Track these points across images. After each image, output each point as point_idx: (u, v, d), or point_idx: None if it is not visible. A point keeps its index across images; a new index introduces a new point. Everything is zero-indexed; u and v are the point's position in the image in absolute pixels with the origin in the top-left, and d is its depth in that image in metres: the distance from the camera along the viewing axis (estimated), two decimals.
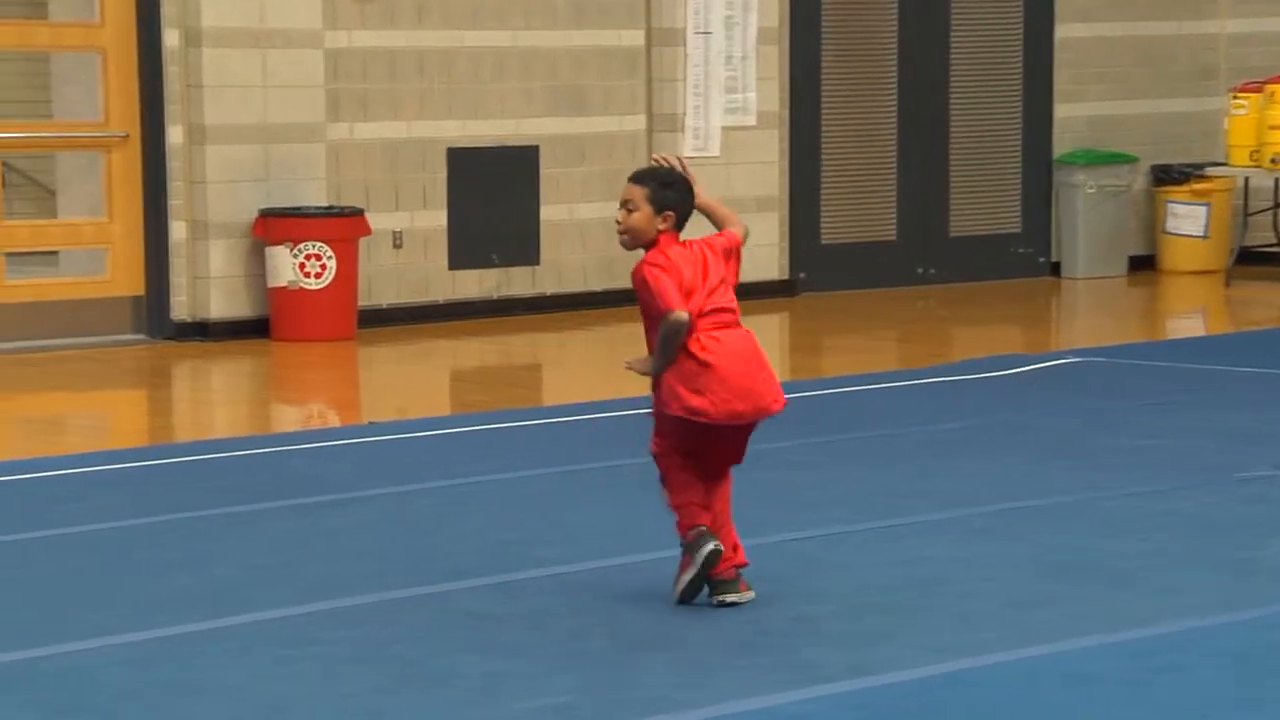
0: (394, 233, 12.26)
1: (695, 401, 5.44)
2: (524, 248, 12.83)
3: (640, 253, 5.60)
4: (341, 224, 11.61)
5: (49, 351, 11.09)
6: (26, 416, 9.70)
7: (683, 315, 5.42)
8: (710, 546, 5.50)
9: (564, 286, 12.98)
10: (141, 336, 11.54)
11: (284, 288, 11.52)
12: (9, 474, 7.73)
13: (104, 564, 6.27)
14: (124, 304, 11.56)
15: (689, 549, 5.56)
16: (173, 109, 11.45)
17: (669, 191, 5.49)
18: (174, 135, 11.47)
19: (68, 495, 7.35)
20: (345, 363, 11.24)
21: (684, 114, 13.16)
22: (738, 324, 5.57)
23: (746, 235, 5.75)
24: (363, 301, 11.89)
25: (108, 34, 11.42)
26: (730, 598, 5.58)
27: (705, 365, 5.43)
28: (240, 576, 6.06)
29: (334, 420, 9.89)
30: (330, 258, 11.52)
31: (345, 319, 11.66)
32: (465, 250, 12.56)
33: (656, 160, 5.66)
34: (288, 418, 10.01)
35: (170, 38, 11.42)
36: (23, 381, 10.37)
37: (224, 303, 11.60)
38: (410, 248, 12.37)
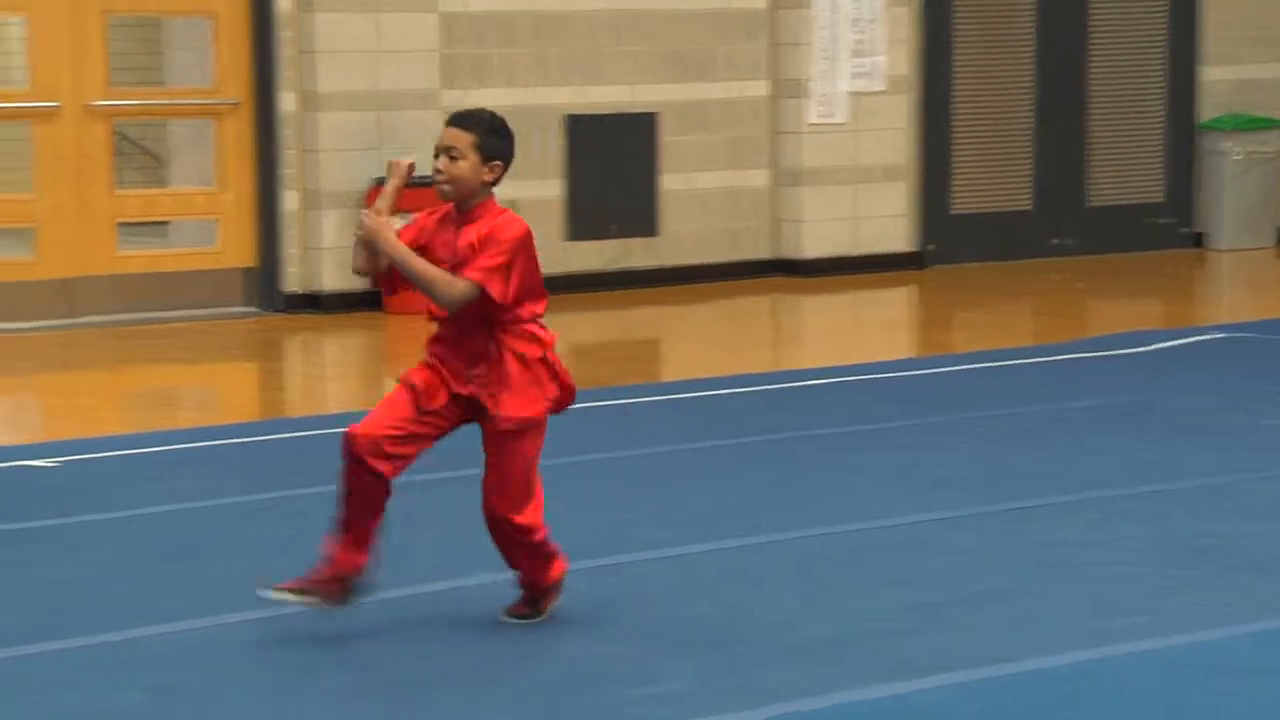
0: (509, 203, 12.23)
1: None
2: (643, 218, 12.79)
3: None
4: None
5: (160, 324, 11.20)
6: (137, 390, 9.81)
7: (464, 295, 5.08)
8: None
9: (684, 258, 12.93)
10: (253, 309, 11.62)
11: None
12: (119, 449, 7.81)
13: (212, 541, 6.30)
14: (235, 276, 11.65)
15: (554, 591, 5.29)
16: (285, 75, 11.51)
17: (496, 139, 5.14)
18: (286, 102, 11.52)
19: (176, 471, 7.41)
20: None
21: (809, 79, 13.04)
22: None
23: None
24: None
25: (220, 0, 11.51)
26: None
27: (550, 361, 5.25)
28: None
29: None
30: None
31: None
32: (582, 221, 12.54)
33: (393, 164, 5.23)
34: None
35: (283, 1, 11.47)
36: (134, 354, 10.48)
37: (336, 274, 11.65)
38: (526, 217, 12.32)
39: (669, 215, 12.86)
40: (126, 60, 12.81)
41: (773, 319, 12.50)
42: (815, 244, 13.20)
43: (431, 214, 5.28)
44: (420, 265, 5.13)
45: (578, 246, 12.55)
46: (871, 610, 5.44)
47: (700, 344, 11.18)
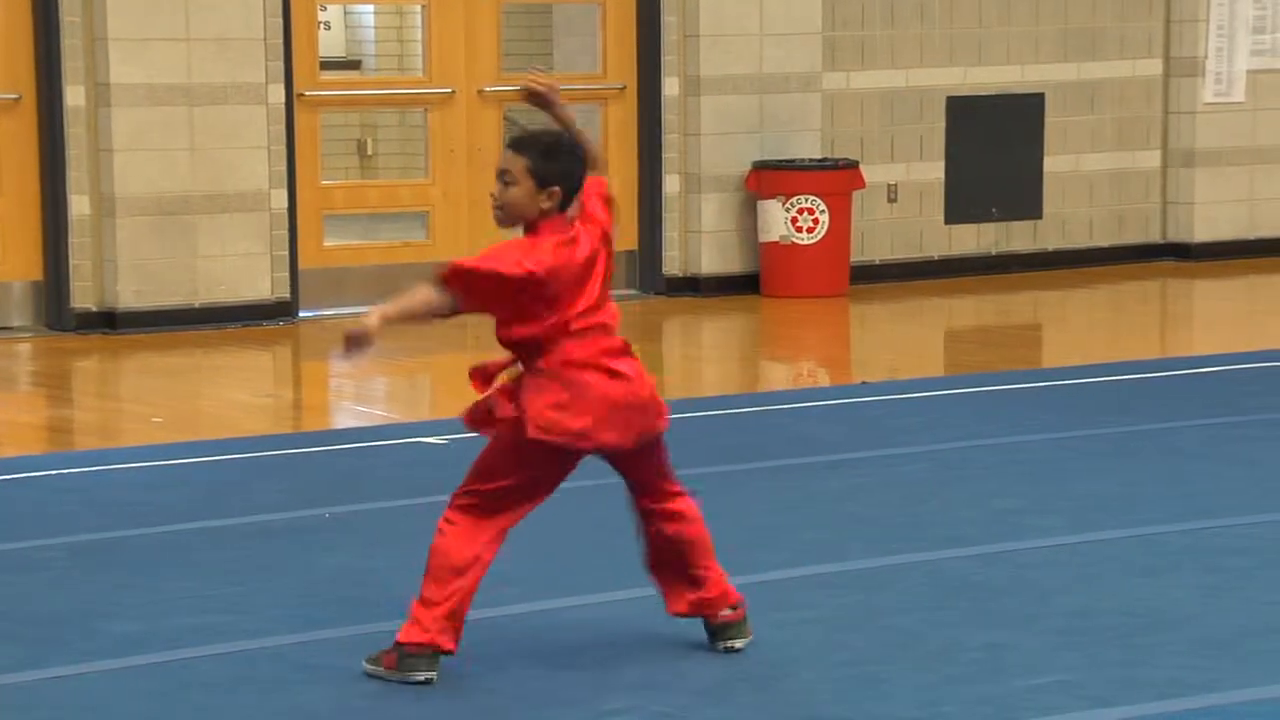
0: (889, 185, 12.21)
1: (575, 423, 4.67)
2: (1025, 201, 12.59)
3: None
4: (835, 177, 11.62)
5: None
6: None
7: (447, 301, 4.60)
8: (424, 678, 4.68)
9: (1068, 242, 12.69)
10: (634, 291, 11.80)
11: (775, 242, 11.60)
12: None
13: (585, 523, 6.40)
14: (620, 259, 11.82)
15: (409, 664, 4.70)
16: (669, 60, 11.65)
17: (554, 164, 4.67)
18: (669, 87, 11.66)
19: None
20: (837, 320, 11.25)
21: (1205, 57, 12.66)
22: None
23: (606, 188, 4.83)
24: (855, 257, 11.88)
25: None
26: (738, 643, 4.94)
27: (583, 385, 4.66)
28: (734, 538, 6.11)
29: (824, 379, 9.91)
30: (823, 212, 11.54)
31: (837, 275, 11.68)
32: (963, 204, 12.40)
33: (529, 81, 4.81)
34: (777, 376, 10.09)
35: None
36: None
37: (715, 258, 11.76)
38: (905, 201, 12.29)
39: (1053, 197, 12.64)
40: (517, 47, 13.11)
41: (1161, 304, 12.18)
42: (1208, 227, 12.82)
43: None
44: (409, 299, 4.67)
45: (958, 229, 12.43)
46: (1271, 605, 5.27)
47: (1083, 330, 10.96)
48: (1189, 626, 5.11)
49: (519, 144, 4.73)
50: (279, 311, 10.77)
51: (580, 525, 6.30)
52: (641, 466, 4.90)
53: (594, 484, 6.69)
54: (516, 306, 4.67)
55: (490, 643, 5.03)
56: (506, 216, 4.73)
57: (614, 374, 4.71)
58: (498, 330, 4.76)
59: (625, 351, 4.78)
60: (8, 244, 10.48)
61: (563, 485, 4.88)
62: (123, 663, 4.94)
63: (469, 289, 4.63)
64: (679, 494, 4.96)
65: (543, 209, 4.68)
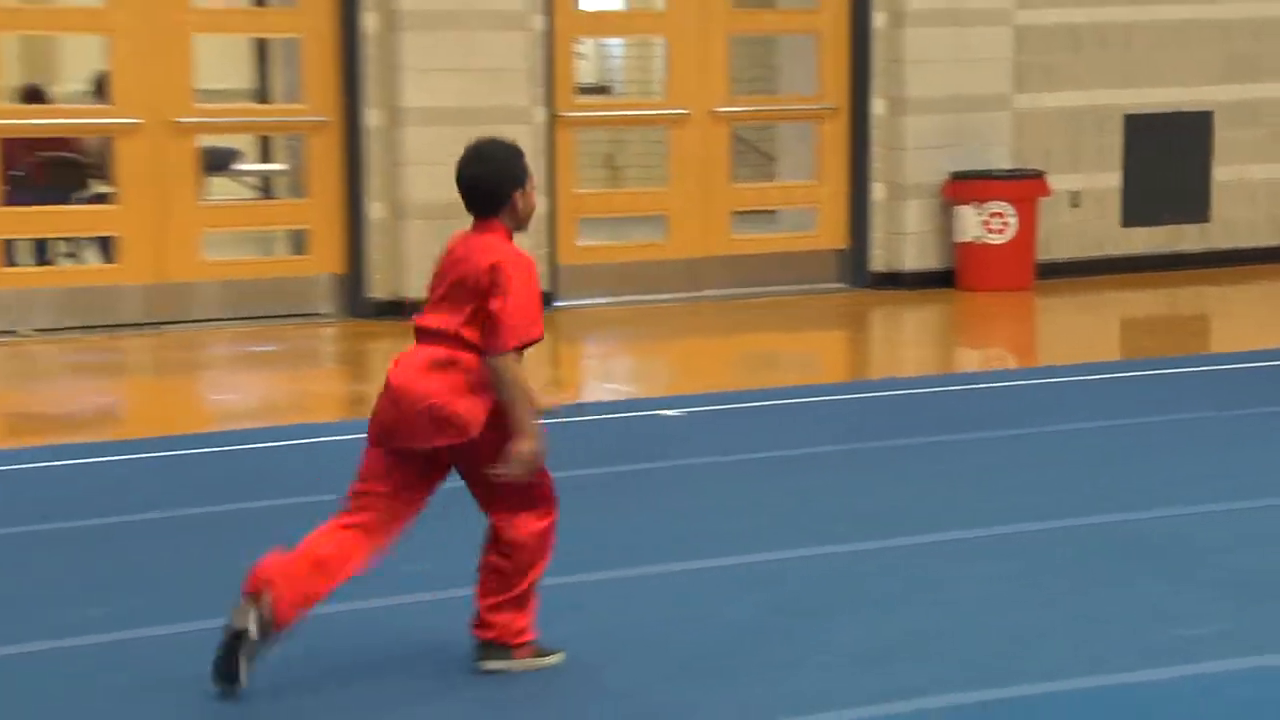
0: (1071, 193, 12.01)
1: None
2: (1195, 206, 12.30)
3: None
4: (1023, 186, 11.47)
5: (767, 297, 11.49)
6: (748, 353, 10.09)
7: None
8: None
9: (1233, 242, 12.37)
10: (844, 285, 11.77)
11: (969, 243, 11.49)
12: (731, 402, 8.05)
13: (805, 485, 6.43)
14: (829, 256, 11.82)
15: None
16: (876, 82, 11.59)
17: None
18: (877, 106, 11.60)
19: (777, 422, 7.59)
20: (1023, 311, 11.11)
21: None
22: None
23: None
24: (1041, 256, 11.71)
25: (824, 18, 11.66)
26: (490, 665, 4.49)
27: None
28: (917, 503, 6.09)
29: (1010, 363, 9.81)
30: (1012, 216, 11.40)
31: (1024, 272, 11.53)
32: (1138, 209, 12.16)
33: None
34: (968, 359, 10.01)
35: (878, 19, 11.54)
36: (746, 323, 10.78)
37: (916, 256, 11.68)
38: (1086, 207, 12.08)
39: (1220, 203, 12.33)
40: (743, 73, 13.15)
41: None
42: None
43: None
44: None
45: (1133, 231, 12.19)
46: None
47: (1246, 320, 10.69)
48: None
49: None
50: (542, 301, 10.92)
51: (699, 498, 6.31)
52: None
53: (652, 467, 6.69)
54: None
55: (631, 605, 5.03)
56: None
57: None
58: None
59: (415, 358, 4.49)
60: (316, 243, 10.81)
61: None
62: (357, 606, 5.05)
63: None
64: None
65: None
